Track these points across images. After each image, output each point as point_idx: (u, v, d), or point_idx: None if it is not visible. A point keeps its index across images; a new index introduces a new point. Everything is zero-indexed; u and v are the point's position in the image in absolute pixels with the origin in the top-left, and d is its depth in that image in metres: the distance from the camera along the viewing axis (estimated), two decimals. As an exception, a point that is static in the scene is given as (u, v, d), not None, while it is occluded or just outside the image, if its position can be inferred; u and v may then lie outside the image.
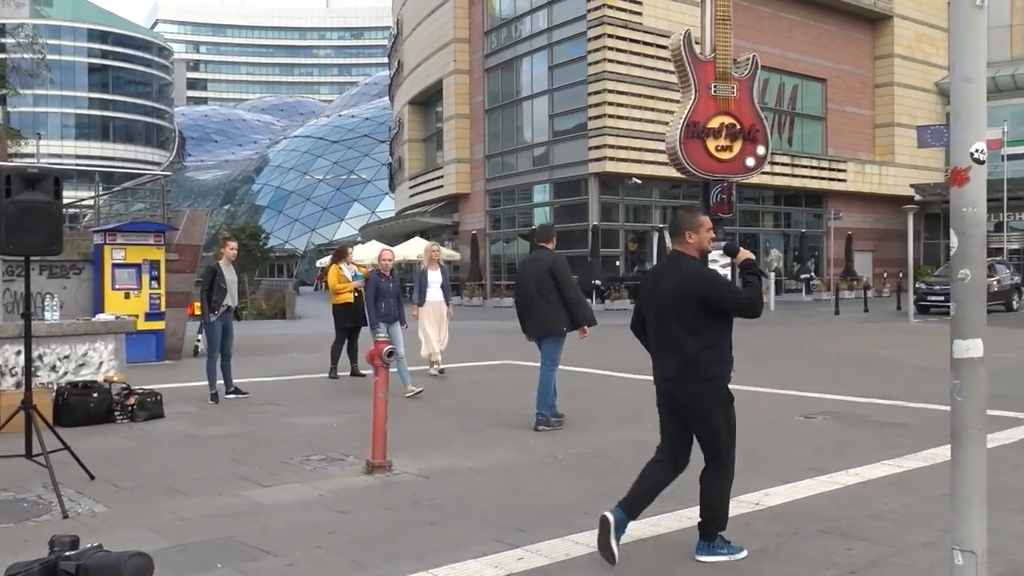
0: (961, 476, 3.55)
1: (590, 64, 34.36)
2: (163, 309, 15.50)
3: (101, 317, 11.74)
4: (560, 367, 9.15)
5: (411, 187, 50.14)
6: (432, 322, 12.94)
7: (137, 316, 14.25)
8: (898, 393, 10.81)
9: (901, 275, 33.10)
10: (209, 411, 10.09)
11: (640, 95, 34.26)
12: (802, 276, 40.18)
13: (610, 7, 33.77)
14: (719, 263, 27.43)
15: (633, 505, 4.82)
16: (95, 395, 9.30)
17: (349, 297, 13.30)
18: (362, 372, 12.84)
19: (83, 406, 9.16)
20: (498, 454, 7.59)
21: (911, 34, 45.41)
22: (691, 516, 5.52)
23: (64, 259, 14.64)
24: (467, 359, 14.91)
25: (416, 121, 51.15)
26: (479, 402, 10.75)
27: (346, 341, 13.27)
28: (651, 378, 5.05)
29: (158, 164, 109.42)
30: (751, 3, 37.84)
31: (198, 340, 17.23)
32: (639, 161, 34.22)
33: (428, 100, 49.03)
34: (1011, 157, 37.17)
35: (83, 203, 29.95)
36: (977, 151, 3.46)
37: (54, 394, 9.20)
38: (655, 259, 35.51)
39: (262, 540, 5.15)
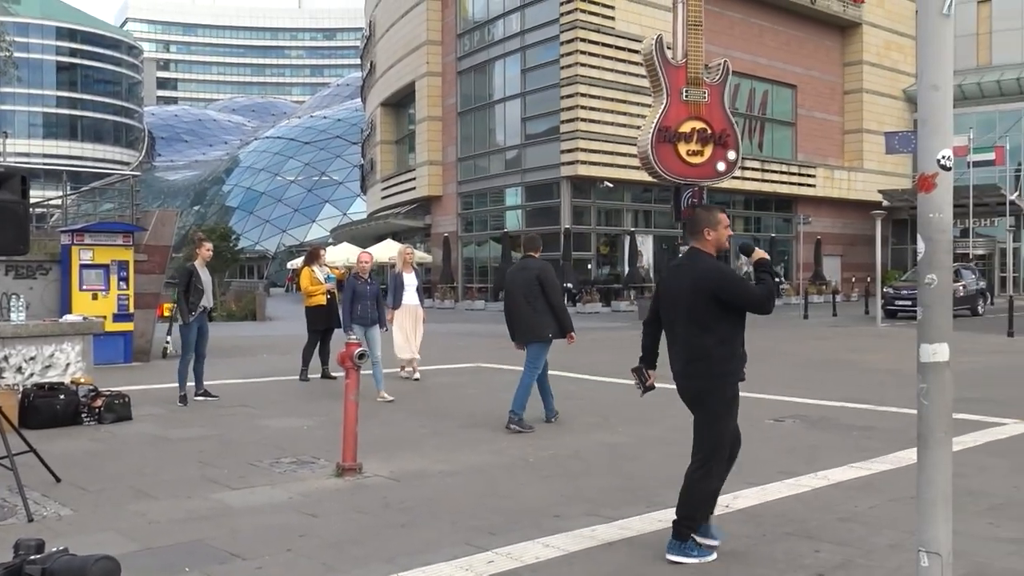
0: (927, 478, 3.59)
1: (562, 68, 34.44)
2: (132, 310, 15.35)
3: (68, 318, 11.60)
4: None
5: (383, 189, 49.99)
6: (408, 325, 12.90)
7: (105, 317, 14.10)
8: (866, 396, 10.92)
9: (869, 280, 33.42)
10: (178, 413, 10.01)
11: (612, 99, 34.37)
12: (772, 280, 40.50)
13: (583, 11, 33.86)
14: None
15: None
16: (62, 397, 9.20)
17: (322, 299, 13.23)
18: (333, 374, 12.78)
19: (49, 408, 9.05)
20: (469, 456, 7.59)
21: (880, 41, 45.91)
22: (660, 519, 5.55)
23: (31, 259, 14.47)
24: (439, 362, 14.88)
25: (388, 123, 51.02)
26: (451, 404, 10.74)
27: (318, 343, 13.22)
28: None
29: (127, 164, 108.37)
30: (723, 8, 38.08)
31: (167, 342, 17.10)
32: (611, 165, 34.32)
33: (400, 102, 48.93)
34: (977, 164, 37.72)
35: (50, 203, 29.59)
36: (944, 158, 3.50)
37: (20, 396, 9.07)
38: (627, 262, 35.67)
39: (231, 543, 5.12)
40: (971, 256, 39.49)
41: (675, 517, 4.87)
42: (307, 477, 6.81)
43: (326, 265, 14.07)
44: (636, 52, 30.72)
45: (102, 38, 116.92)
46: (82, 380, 9.86)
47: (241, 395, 11.37)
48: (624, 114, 34.25)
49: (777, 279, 4.91)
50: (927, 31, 3.54)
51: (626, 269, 36.01)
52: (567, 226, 34.26)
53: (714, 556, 4.80)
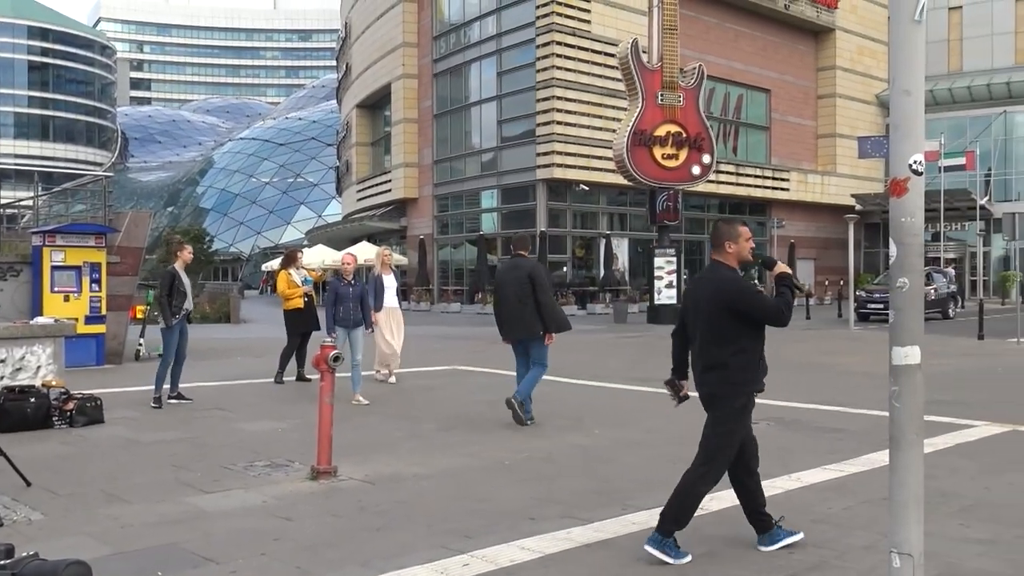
0: (899, 480, 3.63)
1: (539, 71, 34.49)
2: (104, 312, 15.21)
3: (39, 320, 11.48)
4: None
5: (359, 191, 49.85)
6: (390, 328, 12.85)
7: (77, 319, 13.99)
8: (839, 399, 11.00)
9: (842, 283, 33.71)
10: (151, 416, 9.92)
11: (588, 102, 34.46)
12: (746, 284, 40.70)
13: (559, 14, 33.93)
14: (665, 270, 27.74)
15: (748, 512, 5.09)
16: (32, 400, 9.09)
17: (299, 303, 13.14)
18: (308, 377, 12.73)
19: (20, 411, 8.95)
20: (445, 459, 7.58)
21: (853, 47, 46.31)
22: (635, 521, 5.57)
23: (1, 260, 14.31)
24: (414, 364, 14.85)
25: (364, 125, 50.89)
26: (426, 407, 10.72)
27: (302, 345, 13.13)
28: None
29: (100, 165, 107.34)
30: (698, 13, 38.28)
31: (140, 344, 16.97)
32: (586, 168, 34.40)
33: (376, 104, 48.82)
34: (948, 169, 38.11)
35: (21, 203, 29.26)
36: (915, 162, 3.54)
37: (-11, 399, 8.98)
38: (602, 265, 35.75)
39: (204, 547, 5.08)
40: (942, 260, 39.81)
41: (662, 510, 4.91)
42: (281, 480, 6.77)
43: (303, 268, 13.99)
44: (612, 56, 30.84)
45: (75, 38, 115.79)
46: (53, 383, 9.75)
47: (215, 398, 11.30)
48: (600, 117, 34.35)
49: (799, 288, 4.99)
50: (899, 37, 3.57)
51: (601, 272, 36.09)
52: (543, 229, 34.30)
53: (689, 558, 4.82)
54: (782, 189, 43.20)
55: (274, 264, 54.36)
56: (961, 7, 48.67)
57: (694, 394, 5.27)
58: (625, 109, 28.80)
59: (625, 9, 35.41)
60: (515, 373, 9.72)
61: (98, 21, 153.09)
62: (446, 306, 38.07)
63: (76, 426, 9.05)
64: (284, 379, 12.83)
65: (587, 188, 35.11)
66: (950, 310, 29.73)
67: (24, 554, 2.23)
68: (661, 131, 27.18)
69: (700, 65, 28.53)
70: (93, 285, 15.05)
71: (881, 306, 26.06)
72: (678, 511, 4.87)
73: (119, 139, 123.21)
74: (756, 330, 4.96)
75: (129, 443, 8.39)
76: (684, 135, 27.57)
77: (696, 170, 28.21)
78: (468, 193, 39.86)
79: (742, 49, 41.90)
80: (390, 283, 12.97)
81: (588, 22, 34.74)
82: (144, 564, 4.80)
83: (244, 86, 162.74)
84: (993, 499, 6.12)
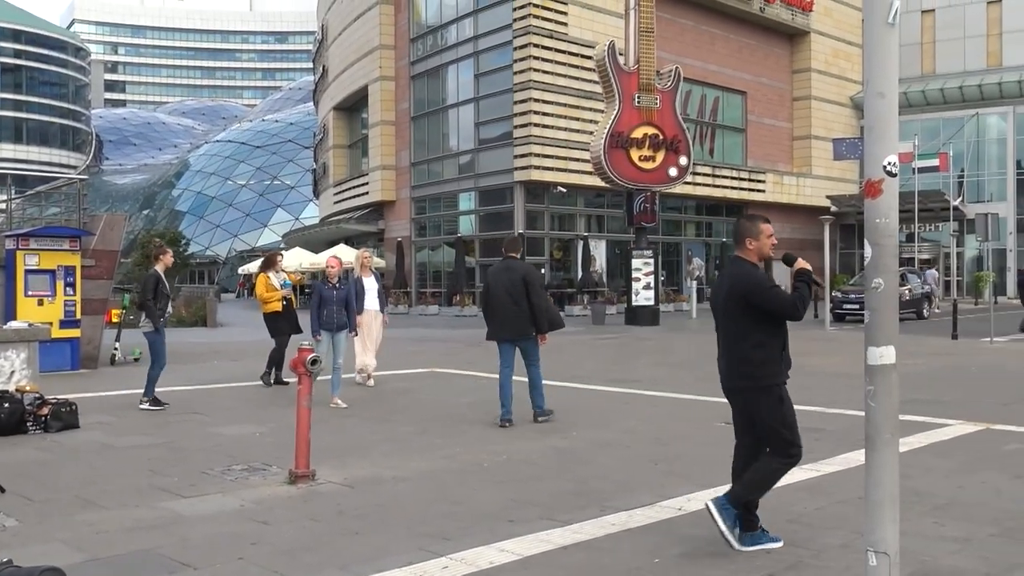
0: (875, 479, 3.66)
1: (516, 73, 34.50)
2: (79, 316, 15.09)
3: (13, 324, 11.37)
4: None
5: (336, 194, 49.67)
6: (370, 331, 12.79)
7: (51, 323, 13.88)
8: (815, 399, 11.06)
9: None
10: (127, 421, 9.85)
11: (565, 104, 34.50)
12: (723, 285, 40.87)
13: (536, 17, 33.96)
14: (642, 271, 27.81)
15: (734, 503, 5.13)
16: (6, 405, 8.99)
17: (277, 306, 13.07)
18: (285, 380, 12.68)
19: (-7, 417, 8.86)
20: (423, 462, 7.56)
21: (827, 50, 46.63)
22: (614, 522, 5.58)
23: (-27, 265, 14.16)
24: (392, 367, 14.81)
25: (341, 127, 50.73)
26: (404, 410, 10.69)
27: (279, 348, 13.07)
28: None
29: (74, 167, 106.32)
30: (674, 15, 38.42)
31: (115, 348, 16.83)
32: (564, 170, 34.45)
33: (353, 106, 48.68)
34: (921, 170, 38.45)
35: (-6, 207, 28.98)
36: (889, 164, 3.57)
37: (-38, 404, 8.88)
38: (580, 267, 35.80)
39: (181, 552, 5.05)
40: (916, 261, 40.16)
41: (744, 513, 5.03)
42: (259, 484, 6.74)
43: (283, 271, 13.91)
44: (589, 58, 30.91)
45: (48, 39, 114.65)
46: (27, 388, 9.66)
47: (192, 402, 11.22)
48: (577, 119, 34.41)
49: (819, 285, 5.08)
50: (873, 40, 3.61)
51: (579, 274, 36.14)
52: (520, 231, 34.28)
53: (780, 543, 4.99)
54: (758, 191, 43.42)
55: (251, 267, 54.16)
56: (934, 10, 49.14)
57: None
58: (602, 111, 28.87)
59: (602, 12, 35.49)
60: (497, 375, 9.74)
61: (72, 22, 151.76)
62: (424, 309, 38.00)
63: (51, 431, 8.97)
64: (272, 382, 12.75)
65: (565, 190, 35.16)
66: (924, 310, 29.99)
67: (-2, 561, 2.21)
68: (638, 133, 27.27)
69: (676, 67, 28.65)
70: (68, 289, 14.93)
71: (857, 306, 26.24)
72: (750, 494, 5.04)
73: (93, 141, 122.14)
74: (774, 325, 5.02)
75: (105, 448, 8.32)
76: (661, 137, 27.68)
77: (673, 172, 28.32)
78: (446, 195, 39.82)
79: (718, 51, 42.10)
80: (370, 285, 12.93)
81: (565, 24, 34.80)
82: (120, 570, 4.77)
83: (220, 88, 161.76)
84: (967, 498, 6.18)
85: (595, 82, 29.63)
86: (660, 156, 27.78)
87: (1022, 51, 46.87)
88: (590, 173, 29.72)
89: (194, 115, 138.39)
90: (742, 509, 5.08)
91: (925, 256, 43.43)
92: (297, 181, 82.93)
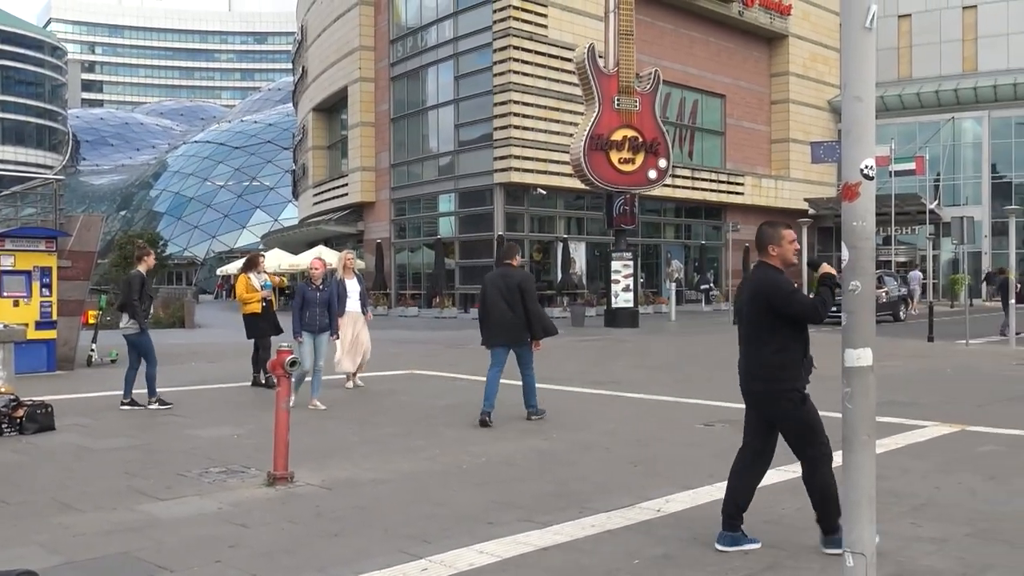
0: (852, 480, 3.68)
1: (496, 75, 34.49)
2: (55, 318, 14.97)
3: (-12, 326, 11.27)
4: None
5: (315, 195, 49.50)
6: (350, 333, 12.72)
7: (27, 325, 13.76)
8: (793, 401, 11.12)
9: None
10: (104, 423, 9.78)
11: (545, 107, 34.53)
12: (702, 287, 41.02)
13: (516, 19, 33.97)
14: (622, 273, 27.89)
15: (727, 504, 5.18)
16: (-20, 407, 8.92)
17: (256, 307, 12.99)
18: (262, 382, 12.62)
19: (-33, 419, 8.78)
20: (402, 464, 7.55)
21: (805, 54, 46.92)
22: (593, 524, 5.59)
23: (-52, 265, 14.02)
24: (372, 369, 14.77)
25: (320, 128, 50.55)
26: (384, 412, 10.67)
27: (258, 350, 13.00)
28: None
29: (50, 168, 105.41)
30: (653, 19, 38.55)
31: (92, 350, 16.70)
32: (544, 172, 34.47)
33: (333, 107, 48.52)
34: (898, 173, 38.71)
35: (-31, 207, 28.71)
36: (866, 167, 3.60)
37: (-64, 406, 8.79)
38: (559, 269, 35.84)
39: (157, 555, 5.02)
40: (893, 263, 40.47)
41: (822, 520, 5.03)
42: (237, 487, 6.71)
43: (264, 272, 13.83)
44: (569, 60, 30.96)
45: (23, 38, 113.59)
46: (3, 389, 9.58)
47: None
48: (557, 122, 34.44)
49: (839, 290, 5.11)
50: (850, 44, 3.63)
51: (559, 276, 36.18)
52: (500, 233, 34.30)
53: (759, 545, 5.02)
54: (737, 193, 43.62)
55: (230, 268, 53.88)
56: (910, 15, 49.58)
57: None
58: (582, 114, 28.92)
59: (582, 14, 35.56)
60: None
61: (48, 21, 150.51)
62: (404, 310, 37.93)
63: (26, 433, 8.89)
64: (263, 381, 12.69)
65: (544, 192, 35.19)
66: (901, 312, 30.21)
67: (-28, 564, 2.20)
68: (618, 136, 27.33)
69: (656, 70, 28.75)
70: (44, 290, 14.81)
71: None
72: (828, 507, 4.97)
73: (70, 141, 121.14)
74: (795, 329, 5.08)
75: (81, 450, 8.26)
76: (640, 139, 27.75)
77: (652, 174, 28.40)
78: (425, 197, 39.77)
79: (697, 55, 42.27)
80: (353, 287, 12.85)
81: (545, 27, 34.84)
82: (96, 573, 4.73)
83: (198, 88, 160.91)
84: (943, 498, 6.23)
85: (575, 84, 29.69)
86: (639, 159, 27.86)
87: (997, 56, 47.39)
88: (570, 175, 29.76)
89: (172, 115, 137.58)
90: (735, 509, 5.13)
91: (902, 259, 43.77)
92: (276, 182, 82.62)
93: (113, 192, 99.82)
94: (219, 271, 60.80)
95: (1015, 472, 7.13)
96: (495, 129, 34.51)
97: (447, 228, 38.52)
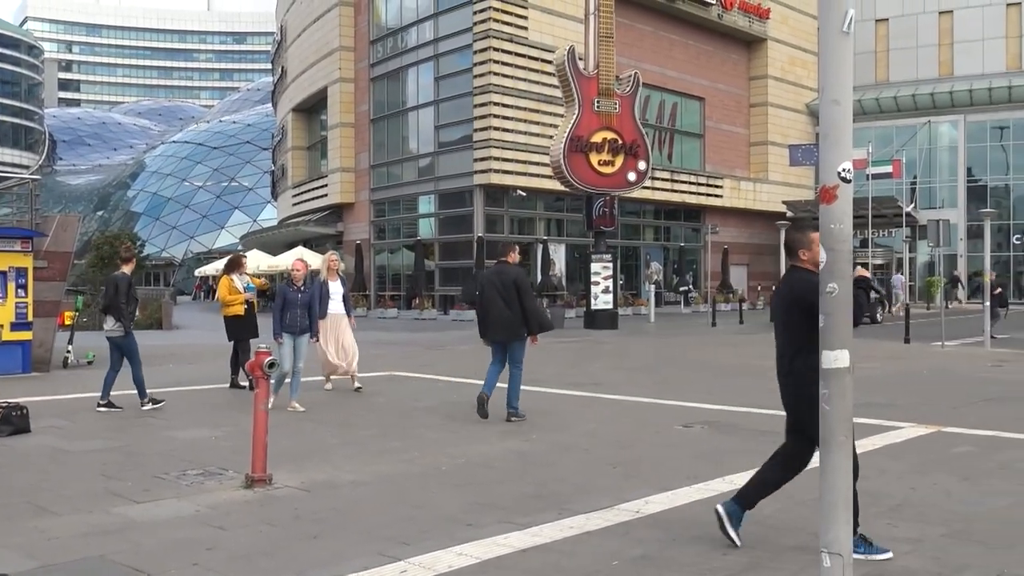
0: (829, 481, 3.71)
1: (476, 76, 34.50)
2: (31, 319, 14.84)
3: (-38, 327, 11.17)
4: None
5: (294, 196, 49.32)
6: (331, 336, 12.64)
7: (2, 326, 13.64)
8: (772, 402, 11.12)
9: (774, 288, 34.28)
10: (80, 425, 9.70)
11: (525, 108, 34.56)
12: (681, 289, 41.18)
13: (496, 21, 33.99)
14: (601, 275, 27.94)
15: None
16: (-46, 409, 8.83)
17: (239, 309, 12.88)
18: (241, 384, 12.56)
19: (-59, 421, 8.69)
20: (381, 466, 7.53)
21: (784, 57, 47.19)
22: (572, 525, 5.60)
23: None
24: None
25: (300, 129, 50.39)
26: (363, 414, 10.64)
27: (237, 352, 12.92)
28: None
29: (26, 167, 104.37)
30: (633, 21, 38.67)
31: (68, 351, 16.57)
32: (524, 174, 34.50)
33: (312, 108, 48.38)
34: (875, 177, 38.97)
35: (-57, 207, 28.43)
36: (844, 170, 3.63)
37: (-91, 408, 8.69)
38: (539, 271, 35.88)
39: (134, 558, 4.98)
40: (870, 266, 40.71)
41: (742, 495, 5.23)
42: (215, 489, 6.67)
43: (247, 274, 13.73)
44: (549, 62, 31.01)
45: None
46: (-24, 391, 9.48)
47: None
48: (537, 123, 34.48)
49: (877, 292, 5.16)
50: (828, 48, 3.66)
51: (539, 277, 36.20)
52: (480, 234, 34.31)
53: (890, 555, 4.96)
54: (716, 196, 43.80)
55: (208, 269, 53.58)
56: (887, 20, 50.01)
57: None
58: (562, 116, 28.96)
59: (562, 16, 35.62)
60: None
61: (24, 20, 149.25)
62: (383, 312, 37.85)
63: (1, 436, 8.79)
64: (242, 383, 12.58)
65: (524, 194, 35.22)
66: (878, 314, 30.41)
67: (-54, 568, 2.17)
68: (597, 138, 27.39)
69: (636, 73, 28.84)
70: (19, 291, 14.66)
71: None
72: (760, 492, 5.15)
73: (46, 141, 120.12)
74: None
75: (57, 453, 8.19)
76: (620, 142, 27.83)
77: (632, 176, 28.48)
78: (405, 198, 39.71)
79: (676, 57, 42.43)
80: (336, 289, 12.72)
81: (525, 29, 34.87)
82: (72, 576, 4.69)
83: (177, 88, 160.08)
84: (919, 499, 6.28)
85: (555, 86, 29.74)
86: (619, 161, 27.94)
87: (973, 61, 47.86)
88: (550, 177, 29.80)
89: (150, 115, 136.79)
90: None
91: (879, 261, 44.08)
92: (255, 183, 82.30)
93: (90, 192, 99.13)
94: (197, 272, 60.46)
95: (989, 473, 7.20)
96: (475, 130, 34.51)
97: (427, 229, 38.49)
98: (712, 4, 42.47)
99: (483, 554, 5.02)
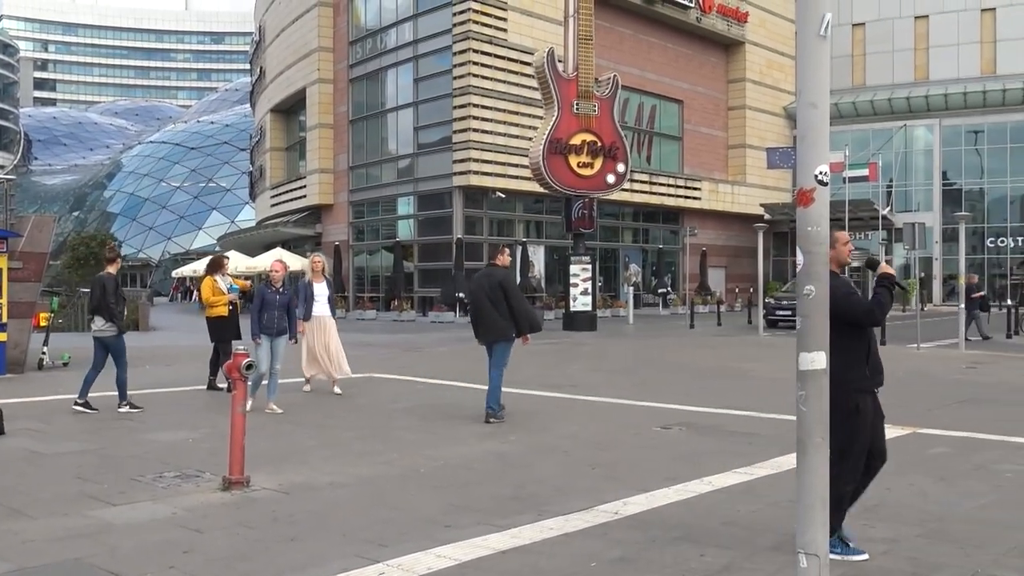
0: (806, 482, 3.73)
1: (455, 78, 34.47)
2: (5, 320, 14.69)
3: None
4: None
5: (272, 196, 49.10)
6: (318, 338, 12.57)
7: (-25, 327, 13.48)
8: (749, 404, 11.25)
9: (751, 290, 34.41)
10: (56, 427, 9.61)
11: (505, 110, 34.57)
12: (659, 291, 41.30)
13: (475, 22, 33.98)
14: (580, 277, 27.99)
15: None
16: (-73, 411, 8.73)
17: (223, 310, 12.79)
18: (219, 386, 12.49)
19: (-87, 423, 8.59)
20: (360, 468, 7.51)
21: (762, 60, 47.46)
22: (551, 527, 5.61)
23: None
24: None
25: (278, 129, 50.17)
26: (341, 416, 10.61)
27: (218, 353, 12.85)
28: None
29: (1, 167, 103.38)
30: (613, 24, 38.77)
31: (43, 353, 16.42)
32: (503, 175, 34.51)
33: (291, 108, 48.19)
34: (852, 180, 39.25)
35: (-85, 207, 28.09)
36: (821, 173, 3.66)
37: None
38: (518, 272, 35.89)
39: (110, 561, 4.94)
40: (858, 270, 40.96)
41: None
42: (192, 491, 6.63)
43: (229, 275, 13.64)
44: (528, 64, 31.03)
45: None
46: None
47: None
48: (516, 125, 34.49)
49: (903, 288, 5.15)
50: (806, 51, 3.69)
51: (517, 279, 36.23)
52: (459, 236, 34.29)
53: (866, 556, 4.97)
54: (694, 198, 43.97)
55: (185, 271, 53.25)
56: (864, 24, 50.40)
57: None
58: (541, 118, 28.99)
59: (541, 19, 35.65)
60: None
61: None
62: (362, 313, 37.75)
63: (-26, 438, 8.72)
64: (220, 386, 12.50)
65: (504, 196, 35.22)
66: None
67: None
68: (577, 140, 27.44)
69: (615, 75, 28.91)
70: (-7, 292, 14.52)
71: (789, 313, 26.67)
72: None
73: (22, 141, 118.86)
74: (855, 330, 5.05)
75: (32, 455, 8.11)
76: (599, 144, 27.89)
77: (611, 179, 28.55)
78: (384, 200, 39.62)
79: (655, 60, 42.57)
80: (321, 291, 12.65)
81: (504, 30, 34.89)
82: (47, 580, 4.65)
83: (154, 88, 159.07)
84: (895, 499, 6.33)
85: (534, 88, 29.76)
86: (598, 163, 28.00)
87: (948, 65, 48.33)
88: (529, 179, 29.82)
89: (127, 115, 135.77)
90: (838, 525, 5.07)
91: (855, 264, 44.34)
92: (233, 183, 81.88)
93: (66, 192, 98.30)
94: (175, 273, 60.07)
95: (964, 474, 7.27)
96: (454, 132, 34.49)
97: (406, 231, 38.42)
98: (691, 7, 42.64)
99: (462, 556, 5.02)
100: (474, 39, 33.91)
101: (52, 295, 22.31)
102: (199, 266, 47.59)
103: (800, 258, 3.72)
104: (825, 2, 3.64)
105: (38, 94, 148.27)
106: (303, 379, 12.85)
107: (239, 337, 12.64)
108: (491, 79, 34.25)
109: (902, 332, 23.63)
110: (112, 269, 11.07)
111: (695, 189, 44.08)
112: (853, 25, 50.34)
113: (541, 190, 29.62)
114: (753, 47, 46.77)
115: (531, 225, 38.39)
